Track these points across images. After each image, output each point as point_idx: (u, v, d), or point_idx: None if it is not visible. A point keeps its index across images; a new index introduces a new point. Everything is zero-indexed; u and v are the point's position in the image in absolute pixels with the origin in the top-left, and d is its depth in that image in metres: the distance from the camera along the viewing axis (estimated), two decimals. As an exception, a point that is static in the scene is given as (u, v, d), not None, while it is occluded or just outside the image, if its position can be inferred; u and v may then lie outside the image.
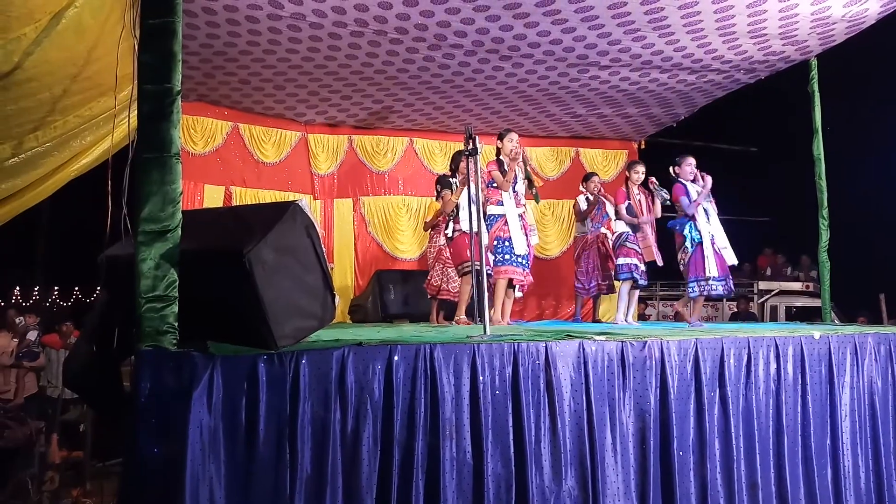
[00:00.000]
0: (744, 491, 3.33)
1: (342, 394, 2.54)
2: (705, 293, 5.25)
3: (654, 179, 5.91)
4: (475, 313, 5.11)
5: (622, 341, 3.18)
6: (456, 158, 6.06)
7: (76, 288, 20.99)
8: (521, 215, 5.36)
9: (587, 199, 6.69)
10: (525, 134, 8.02)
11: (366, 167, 8.22)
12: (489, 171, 5.35)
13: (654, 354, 3.21)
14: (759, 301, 10.72)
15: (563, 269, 8.31)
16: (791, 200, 10.01)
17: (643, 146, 9.04)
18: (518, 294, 5.70)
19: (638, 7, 5.17)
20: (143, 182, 2.36)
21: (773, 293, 10.76)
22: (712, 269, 5.17)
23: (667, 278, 10.49)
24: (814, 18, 5.43)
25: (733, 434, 3.33)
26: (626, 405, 3.13)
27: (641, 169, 5.98)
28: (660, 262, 5.94)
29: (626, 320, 5.90)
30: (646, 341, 3.22)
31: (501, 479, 2.78)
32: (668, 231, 5.55)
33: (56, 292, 20.64)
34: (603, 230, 6.56)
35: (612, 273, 6.36)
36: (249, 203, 7.28)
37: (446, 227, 5.86)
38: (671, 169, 5.53)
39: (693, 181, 5.42)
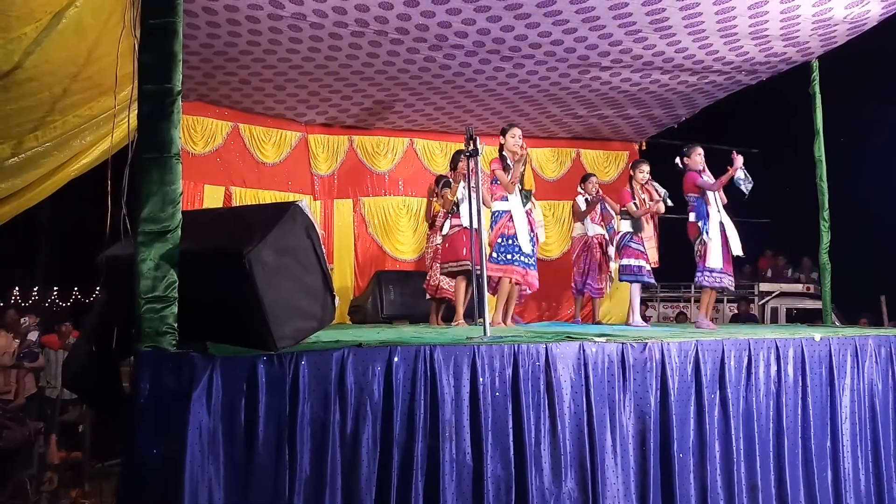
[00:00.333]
0: (744, 493, 3.33)
1: (342, 395, 2.54)
2: (717, 284, 5.16)
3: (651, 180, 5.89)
4: (475, 314, 4.99)
5: (622, 343, 3.18)
6: (455, 158, 5.98)
7: (75, 288, 21.04)
8: (527, 212, 5.23)
9: (586, 199, 6.67)
10: (526, 134, 7.89)
11: (366, 168, 8.20)
12: (493, 170, 5.20)
13: (655, 356, 3.21)
14: (760, 303, 10.69)
15: (563, 271, 8.28)
16: (792, 202, 10.02)
17: (644, 147, 9.02)
18: (526, 291, 5.50)
19: (639, 8, 5.16)
20: (143, 182, 2.36)
21: (773, 295, 10.73)
22: (723, 262, 5.10)
23: (667, 279, 10.47)
24: (815, 20, 5.43)
25: (733, 436, 3.33)
26: (627, 407, 3.13)
27: (646, 168, 5.91)
28: (655, 263, 5.90)
29: (635, 321, 5.82)
30: (646, 343, 3.22)
31: (501, 480, 2.78)
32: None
33: (55, 292, 20.68)
34: (601, 231, 6.55)
35: (610, 276, 6.33)
36: (249, 203, 7.26)
37: (442, 227, 5.78)
38: (679, 159, 5.41)
39: (702, 171, 5.30)
